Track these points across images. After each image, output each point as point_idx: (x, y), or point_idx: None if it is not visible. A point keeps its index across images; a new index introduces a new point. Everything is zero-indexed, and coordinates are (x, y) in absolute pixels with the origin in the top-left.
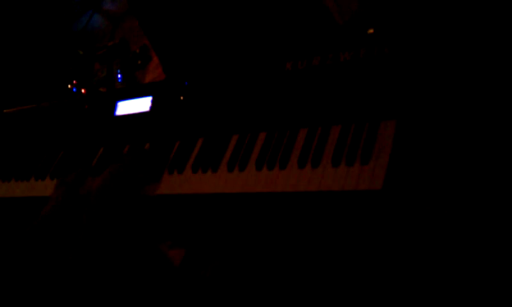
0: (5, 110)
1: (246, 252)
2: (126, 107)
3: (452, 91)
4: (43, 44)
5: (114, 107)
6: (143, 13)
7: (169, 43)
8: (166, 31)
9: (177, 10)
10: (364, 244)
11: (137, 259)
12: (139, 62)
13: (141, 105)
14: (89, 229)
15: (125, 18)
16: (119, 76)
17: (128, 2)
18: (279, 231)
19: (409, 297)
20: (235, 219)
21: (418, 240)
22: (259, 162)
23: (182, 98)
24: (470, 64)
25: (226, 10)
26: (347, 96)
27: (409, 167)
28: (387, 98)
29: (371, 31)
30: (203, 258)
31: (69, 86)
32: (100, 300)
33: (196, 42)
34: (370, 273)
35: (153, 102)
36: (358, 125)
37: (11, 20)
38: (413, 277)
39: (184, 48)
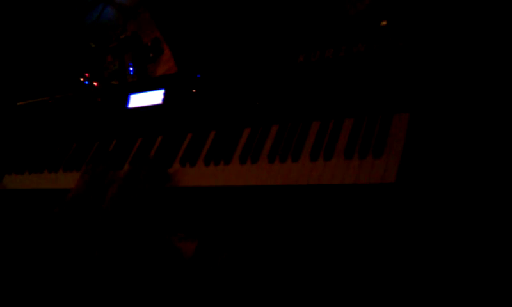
0: (18, 103)
1: (257, 245)
2: (138, 100)
3: (465, 84)
4: (56, 37)
5: (126, 100)
6: (155, 6)
7: (181, 36)
8: (178, 23)
9: (189, 3)
10: (377, 238)
11: (149, 251)
12: (151, 55)
13: (153, 98)
14: (105, 235)
15: (137, 10)
16: (131, 69)
17: None
18: (291, 224)
19: (422, 291)
20: (246, 212)
21: (431, 233)
22: (271, 155)
23: (194, 91)
24: (484, 58)
25: (239, 2)
26: (360, 88)
27: (423, 160)
28: (400, 90)
29: (384, 23)
30: (215, 250)
31: (81, 78)
32: (112, 293)
33: (208, 35)
34: (382, 267)
35: (165, 94)
36: (371, 117)
37: (24, 13)
38: (425, 271)
39: (196, 41)
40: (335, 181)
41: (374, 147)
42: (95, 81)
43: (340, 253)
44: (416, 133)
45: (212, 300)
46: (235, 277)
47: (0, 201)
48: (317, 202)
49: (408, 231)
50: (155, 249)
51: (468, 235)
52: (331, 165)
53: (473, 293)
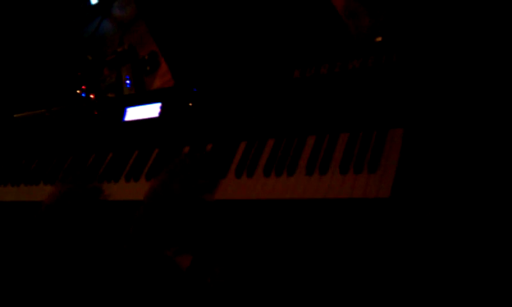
0: (15, 115)
1: (250, 257)
2: (135, 113)
3: (459, 99)
4: (53, 49)
5: (123, 113)
6: (152, 19)
7: (178, 50)
8: (175, 37)
9: (186, 17)
10: (371, 251)
11: (145, 263)
12: (148, 68)
13: (150, 111)
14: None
15: (134, 24)
16: (128, 82)
17: (138, 8)
18: (286, 237)
19: (417, 303)
20: (240, 225)
21: (425, 247)
22: (267, 169)
23: (190, 104)
24: (478, 73)
25: (235, 17)
26: (354, 104)
27: (417, 175)
28: (394, 106)
29: (379, 38)
30: (209, 263)
31: (78, 91)
32: (107, 303)
33: (205, 49)
34: (377, 279)
35: (162, 108)
36: (366, 132)
37: (21, 25)
38: (419, 283)
39: (193, 55)
40: (330, 196)
41: (368, 162)
42: (92, 94)
43: (334, 265)
44: (410, 148)
45: None
46: (229, 290)
47: None
48: (312, 216)
49: (402, 245)
50: (150, 258)
51: (461, 249)
52: (326, 179)
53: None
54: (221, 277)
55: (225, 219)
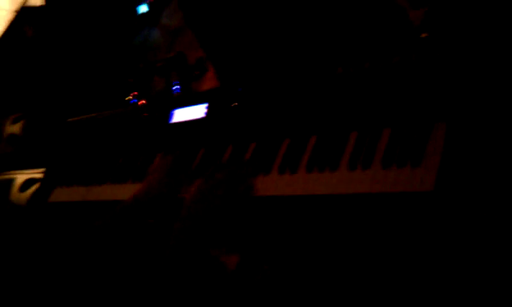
0: (68, 120)
1: (297, 255)
2: (181, 115)
3: (502, 95)
4: (106, 57)
5: (169, 115)
6: (198, 25)
7: (222, 52)
8: (220, 40)
9: (231, 21)
10: (416, 244)
11: (191, 264)
12: (196, 73)
13: (195, 112)
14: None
15: (182, 31)
16: (176, 87)
17: (184, 17)
18: (330, 232)
19: (463, 294)
20: (284, 221)
21: (469, 239)
22: (310, 165)
23: (235, 104)
24: None
25: (278, 17)
26: (398, 99)
27: (460, 168)
28: (438, 100)
29: (424, 34)
30: (257, 264)
31: (129, 97)
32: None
33: (248, 49)
34: (423, 271)
35: (208, 108)
36: (409, 127)
37: (74, 35)
38: (464, 275)
39: (237, 56)
40: (373, 190)
41: (411, 156)
42: (143, 99)
43: (380, 259)
44: (453, 142)
45: None
46: (277, 290)
47: (52, 211)
48: (355, 211)
49: (446, 238)
50: (201, 263)
51: (504, 243)
52: (368, 174)
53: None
54: (270, 275)
55: (270, 216)
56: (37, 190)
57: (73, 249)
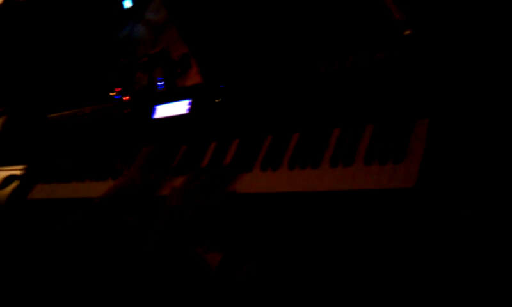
0: (49, 116)
1: (279, 253)
2: (164, 110)
3: (484, 90)
4: (88, 52)
5: (152, 111)
6: (182, 22)
7: (206, 48)
8: (204, 37)
9: (214, 17)
10: (396, 240)
11: (174, 262)
12: (179, 70)
13: (178, 108)
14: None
15: (166, 27)
16: (160, 83)
17: (168, 13)
18: (311, 229)
19: (446, 291)
20: (266, 218)
21: (449, 236)
22: (292, 162)
23: (218, 100)
24: (505, 65)
25: (261, 13)
26: (380, 95)
27: (442, 165)
28: (420, 97)
29: (408, 31)
30: (240, 262)
31: (111, 93)
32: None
33: (231, 46)
34: (401, 269)
35: (191, 104)
36: (391, 124)
37: (56, 29)
38: (444, 273)
39: (220, 52)
40: (355, 187)
41: (394, 153)
42: (125, 95)
43: (361, 258)
44: (435, 138)
45: None
46: (260, 287)
47: (31, 209)
48: (338, 208)
49: (427, 235)
50: (183, 261)
51: (487, 239)
52: (350, 171)
53: (494, 297)
54: (254, 272)
55: (253, 213)
56: (17, 187)
57: (47, 248)
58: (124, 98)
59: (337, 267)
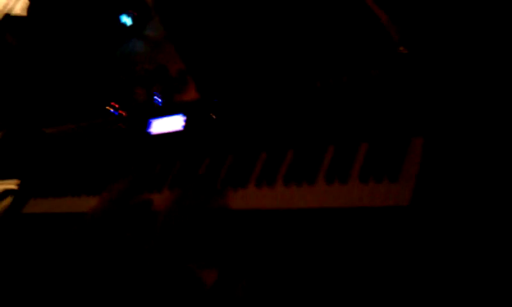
0: (45, 130)
1: (276, 270)
2: (159, 126)
3: (480, 109)
4: (87, 68)
5: (147, 126)
6: (177, 38)
7: (201, 64)
8: (199, 53)
9: (209, 34)
10: (390, 258)
11: (169, 279)
12: (177, 85)
13: (173, 123)
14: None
15: (165, 44)
16: (158, 99)
17: (165, 29)
18: (306, 246)
19: None
20: (261, 235)
21: (443, 254)
22: (287, 178)
23: (213, 115)
24: (499, 83)
25: (256, 30)
26: (375, 113)
27: (437, 184)
28: (415, 115)
29: (402, 48)
30: (236, 278)
31: (109, 108)
32: None
33: (228, 63)
34: (396, 288)
35: (186, 120)
36: (387, 142)
37: (56, 44)
38: (436, 290)
39: (216, 68)
40: (350, 204)
41: (389, 171)
42: (124, 111)
43: (355, 275)
44: (430, 157)
45: None
46: (259, 302)
47: (26, 224)
48: (332, 225)
49: (422, 254)
50: (178, 277)
51: (481, 259)
52: (346, 188)
53: None
54: (249, 290)
55: (247, 230)
56: (12, 202)
57: (41, 263)
58: (121, 113)
59: (333, 284)
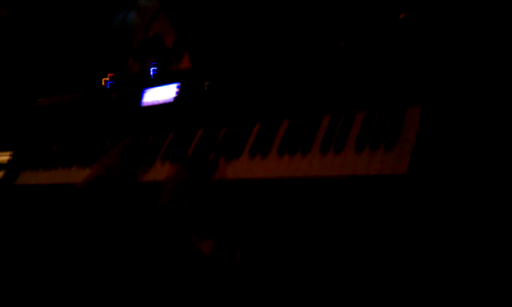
0: (38, 100)
1: (272, 241)
2: (152, 96)
3: (479, 77)
4: (81, 38)
5: (140, 96)
6: (170, 8)
7: (195, 33)
8: (193, 22)
9: (202, 2)
10: (388, 227)
11: (167, 249)
12: (172, 56)
13: (166, 93)
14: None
15: (159, 14)
16: (153, 70)
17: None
18: (301, 215)
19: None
20: (255, 205)
21: (441, 223)
22: (281, 148)
23: (206, 84)
24: (498, 53)
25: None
26: (373, 81)
27: (435, 152)
28: (413, 83)
29: (403, 15)
30: (231, 249)
31: (103, 79)
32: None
33: (221, 30)
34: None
35: (179, 89)
36: (383, 110)
37: (51, 14)
38: (435, 261)
39: (210, 37)
40: (344, 173)
41: (385, 140)
42: (118, 81)
43: (352, 247)
44: (428, 125)
45: (229, 299)
46: (250, 275)
47: (17, 195)
48: (327, 194)
49: (419, 223)
50: (178, 249)
51: (477, 228)
52: (341, 157)
53: (479, 290)
54: (243, 261)
55: (242, 200)
56: (4, 174)
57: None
58: (115, 83)
59: (328, 255)
